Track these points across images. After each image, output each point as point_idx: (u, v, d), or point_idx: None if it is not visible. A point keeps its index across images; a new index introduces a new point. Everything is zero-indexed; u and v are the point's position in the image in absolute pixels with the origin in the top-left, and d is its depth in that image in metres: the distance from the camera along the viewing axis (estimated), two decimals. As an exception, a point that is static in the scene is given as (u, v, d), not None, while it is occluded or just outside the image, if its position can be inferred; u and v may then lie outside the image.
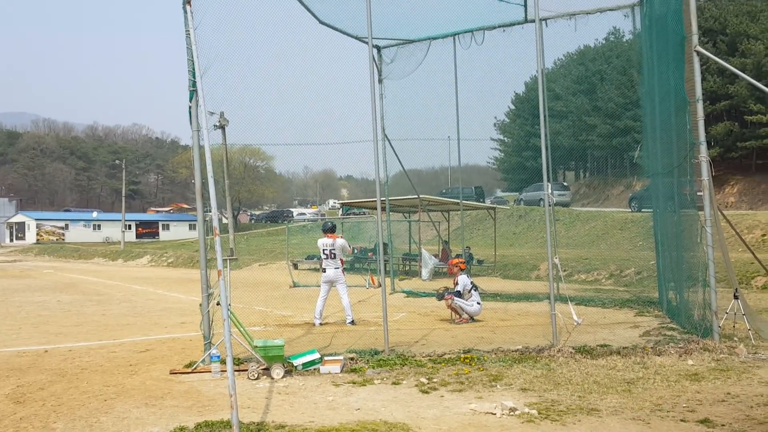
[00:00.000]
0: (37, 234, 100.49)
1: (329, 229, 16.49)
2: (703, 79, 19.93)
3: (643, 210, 42.93)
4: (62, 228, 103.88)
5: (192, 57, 10.45)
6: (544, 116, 13.26)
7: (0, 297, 25.44)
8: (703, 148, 12.29)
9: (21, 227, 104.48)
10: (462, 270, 17.32)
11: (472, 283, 16.91)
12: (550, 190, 13.19)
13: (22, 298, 25.10)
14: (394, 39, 21.55)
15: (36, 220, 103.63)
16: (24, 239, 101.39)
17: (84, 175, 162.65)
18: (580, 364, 10.83)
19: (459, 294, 16.52)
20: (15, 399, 9.45)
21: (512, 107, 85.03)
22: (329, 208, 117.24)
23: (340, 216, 56.16)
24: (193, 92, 10.96)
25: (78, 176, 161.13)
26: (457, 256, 24.57)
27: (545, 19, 18.78)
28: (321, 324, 16.06)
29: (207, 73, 10.20)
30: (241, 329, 11.22)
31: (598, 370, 10.45)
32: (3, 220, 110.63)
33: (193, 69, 10.46)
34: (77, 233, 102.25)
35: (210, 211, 7.78)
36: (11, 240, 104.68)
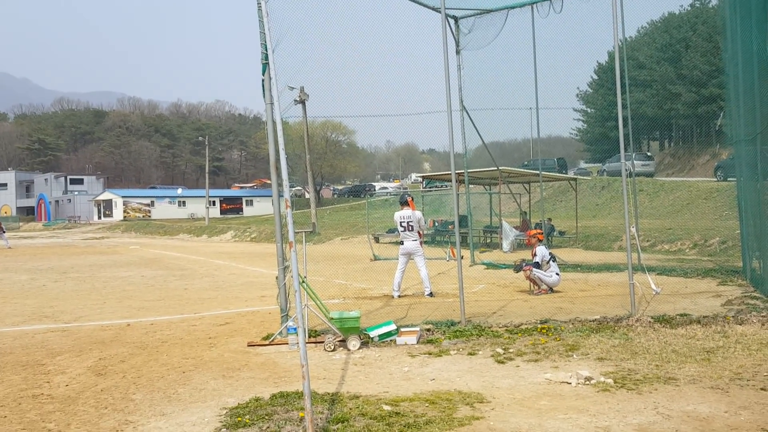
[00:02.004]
0: (124, 211, 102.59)
1: (406, 202, 16.45)
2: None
3: (729, 179, 42.05)
4: (148, 205, 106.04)
5: (264, 30, 10.45)
6: (622, 84, 13.00)
7: (87, 272, 26.10)
8: (787, 112, 11.96)
9: (108, 205, 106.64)
10: (540, 241, 17.18)
11: (550, 253, 16.76)
12: (627, 161, 12.98)
13: (108, 273, 25.70)
14: (471, 9, 21.30)
15: (123, 197, 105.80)
16: (111, 216, 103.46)
17: (169, 152, 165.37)
18: (659, 334, 10.66)
19: (537, 265, 16.38)
20: (97, 371, 9.68)
21: (595, 77, 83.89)
22: (411, 182, 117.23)
23: (421, 189, 56.07)
24: (265, 65, 10.97)
25: (163, 153, 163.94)
26: (536, 226, 24.31)
27: (625, -15, 18.38)
28: (399, 296, 16.07)
29: (280, 45, 10.15)
30: (317, 301, 11.30)
31: (677, 339, 10.28)
32: (91, 198, 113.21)
33: (265, 42, 10.47)
34: (163, 210, 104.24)
35: (289, 186, 7.80)
36: (99, 217, 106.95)
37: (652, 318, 11.54)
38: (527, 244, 19.68)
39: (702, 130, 75.04)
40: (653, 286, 12.54)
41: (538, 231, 18.10)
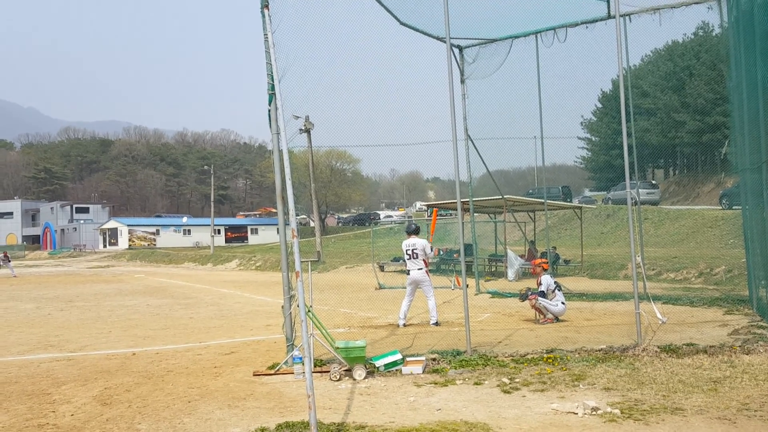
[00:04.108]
0: (129, 239, 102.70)
1: (413, 231, 16.45)
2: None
3: (734, 207, 41.99)
4: (153, 233, 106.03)
5: (270, 61, 10.52)
6: (627, 113, 13.03)
7: (92, 301, 26.07)
8: (792, 142, 11.95)
9: (114, 233, 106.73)
10: (545, 270, 17.15)
11: (555, 282, 16.71)
12: (632, 189, 12.99)
13: (113, 302, 25.68)
14: (476, 39, 21.41)
15: (128, 225, 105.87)
16: (117, 245, 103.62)
17: (174, 181, 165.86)
18: (666, 363, 10.63)
19: (543, 294, 16.34)
20: (102, 401, 9.67)
21: (599, 105, 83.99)
22: (416, 210, 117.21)
23: (426, 218, 56.11)
24: (272, 96, 11.05)
25: (168, 182, 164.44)
26: (542, 255, 24.25)
27: (628, 15, 18.54)
28: (405, 325, 16.04)
29: (286, 76, 10.26)
30: (323, 331, 11.28)
31: (684, 369, 10.24)
32: (96, 227, 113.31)
33: (272, 73, 10.55)
34: (168, 238, 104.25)
35: (295, 215, 7.85)
36: (105, 246, 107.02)
37: (658, 347, 11.50)
38: (533, 273, 19.65)
39: (707, 158, 75.18)
40: (659, 316, 12.53)
41: (544, 260, 18.06)
